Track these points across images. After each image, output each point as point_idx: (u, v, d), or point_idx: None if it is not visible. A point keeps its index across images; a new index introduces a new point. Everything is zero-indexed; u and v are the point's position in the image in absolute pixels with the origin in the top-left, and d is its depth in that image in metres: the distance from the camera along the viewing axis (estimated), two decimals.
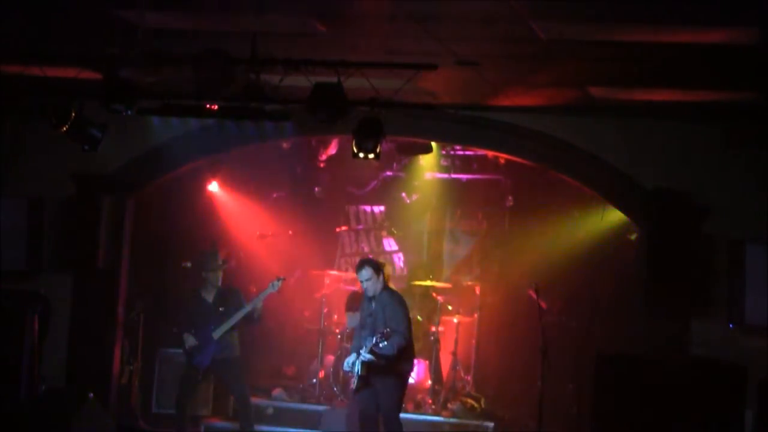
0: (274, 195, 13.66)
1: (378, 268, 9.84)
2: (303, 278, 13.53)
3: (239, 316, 10.99)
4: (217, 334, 10.95)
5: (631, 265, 11.49)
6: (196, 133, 10.88)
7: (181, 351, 11.30)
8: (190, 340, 10.98)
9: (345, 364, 9.92)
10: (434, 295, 12.83)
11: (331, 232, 14.04)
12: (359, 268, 9.87)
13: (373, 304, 9.80)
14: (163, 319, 12.46)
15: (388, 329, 9.42)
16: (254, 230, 13.22)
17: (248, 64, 8.11)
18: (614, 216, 11.83)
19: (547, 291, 11.27)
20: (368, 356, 9.51)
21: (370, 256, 12.26)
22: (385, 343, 9.40)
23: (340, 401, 11.87)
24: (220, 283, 11.20)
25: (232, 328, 11.03)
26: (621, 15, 6.90)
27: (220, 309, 11.06)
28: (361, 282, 9.83)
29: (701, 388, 8.40)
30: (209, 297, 11.18)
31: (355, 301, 11.57)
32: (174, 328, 11.51)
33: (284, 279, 11.28)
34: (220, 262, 11.30)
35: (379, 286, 9.79)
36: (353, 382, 9.81)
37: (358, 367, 9.66)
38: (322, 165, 13.60)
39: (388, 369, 9.64)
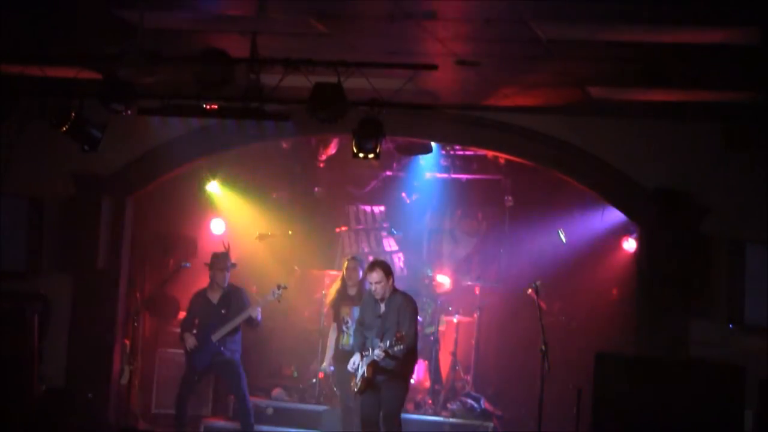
0: (274, 195, 13.65)
1: (389, 270, 9.71)
2: (303, 278, 13.52)
3: (239, 320, 11.00)
4: (216, 336, 10.96)
5: (631, 264, 11.51)
6: (196, 133, 10.86)
7: (181, 351, 11.31)
8: (191, 340, 10.99)
9: (350, 364, 9.84)
10: (434, 295, 12.82)
11: (331, 232, 14.02)
12: (370, 269, 9.72)
13: (382, 306, 9.69)
14: (163, 319, 12.46)
15: (403, 332, 9.33)
16: (254, 230, 13.21)
17: (248, 64, 8.10)
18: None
19: (547, 291, 11.27)
20: (381, 354, 9.38)
21: (371, 258, 12.23)
22: (401, 347, 9.28)
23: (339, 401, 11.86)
24: (226, 285, 11.21)
25: (234, 330, 11.03)
26: (621, 15, 6.90)
27: (223, 311, 11.07)
28: (371, 284, 9.71)
29: (701, 388, 8.40)
30: (214, 298, 11.19)
31: (346, 297, 11.40)
32: (177, 328, 11.51)
33: (286, 287, 11.26)
34: (229, 264, 11.31)
35: (389, 289, 9.69)
36: (355, 384, 9.76)
37: (363, 369, 9.60)
38: (322, 165, 13.58)
39: (394, 371, 9.58)
